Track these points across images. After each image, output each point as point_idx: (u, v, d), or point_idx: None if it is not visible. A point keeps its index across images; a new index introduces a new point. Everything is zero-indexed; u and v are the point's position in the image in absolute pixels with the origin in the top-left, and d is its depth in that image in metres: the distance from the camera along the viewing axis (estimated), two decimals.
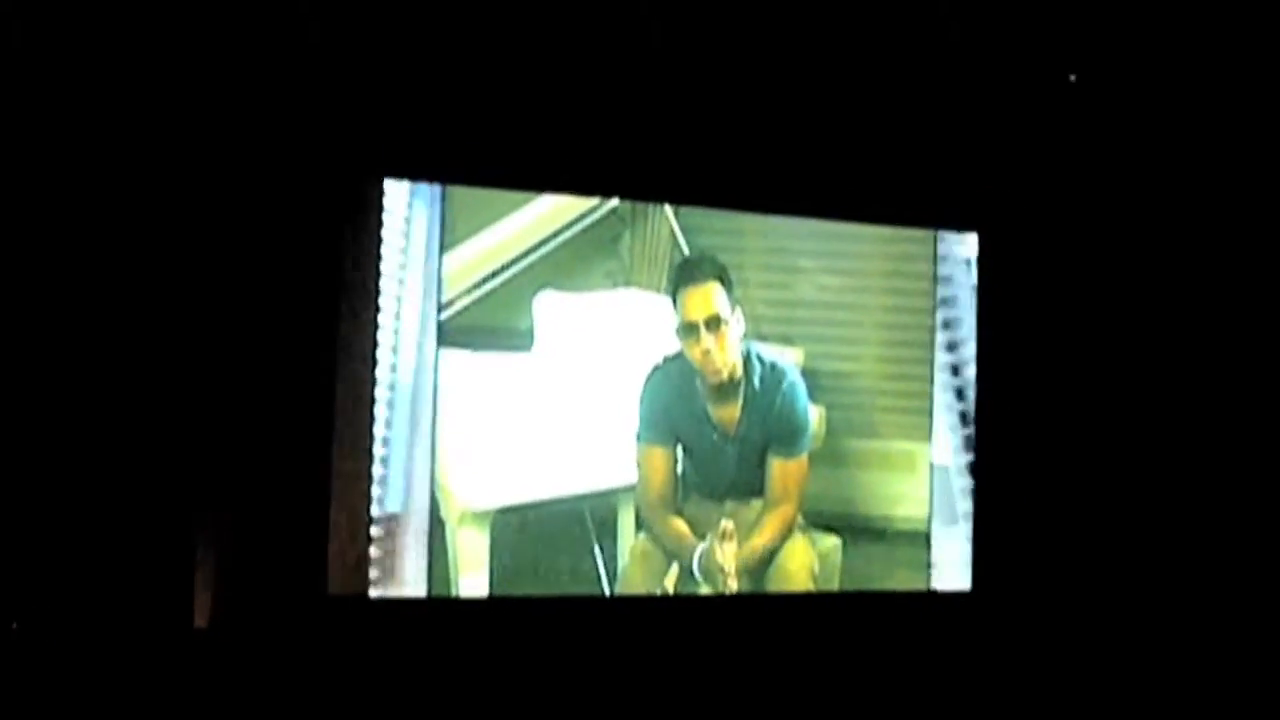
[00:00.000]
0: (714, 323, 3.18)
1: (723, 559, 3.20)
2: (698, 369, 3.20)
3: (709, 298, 3.19)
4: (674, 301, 3.21)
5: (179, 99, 2.87)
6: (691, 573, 3.21)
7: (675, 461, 3.22)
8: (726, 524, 3.21)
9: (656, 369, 3.22)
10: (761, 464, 3.25)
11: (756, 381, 3.24)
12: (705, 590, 3.22)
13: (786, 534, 3.28)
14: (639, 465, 3.20)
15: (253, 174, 2.93)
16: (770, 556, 3.27)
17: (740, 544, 3.22)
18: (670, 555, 3.22)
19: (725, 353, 3.19)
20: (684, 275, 3.22)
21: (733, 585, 3.21)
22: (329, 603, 2.96)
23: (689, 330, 3.19)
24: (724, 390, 3.22)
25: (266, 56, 2.93)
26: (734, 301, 3.21)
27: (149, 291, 2.85)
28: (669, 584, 3.22)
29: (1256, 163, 3.43)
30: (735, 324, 3.21)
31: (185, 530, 2.86)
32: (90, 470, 2.79)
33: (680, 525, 3.22)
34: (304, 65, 2.96)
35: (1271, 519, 3.38)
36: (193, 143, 2.88)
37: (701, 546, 3.20)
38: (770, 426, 3.24)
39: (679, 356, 3.22)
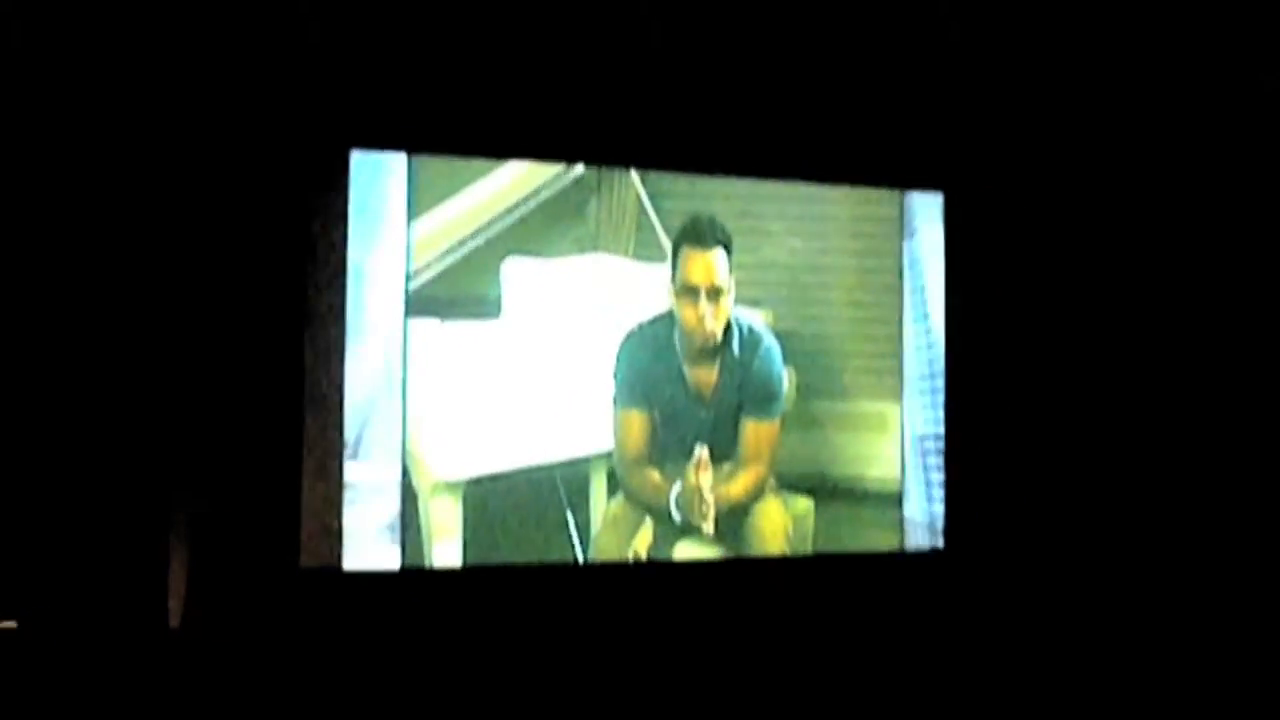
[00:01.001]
0: (715, 292, 3.21)
1: (700, 484, 3.21)
2: (686, 331, 3.22)
3: (713, 265, 3.21)
4: (674, 259, 3.22)
5: (141, 77, 2.86)
6: (669, 514, 3.22)
7: (653, 425, 3.22)
8: (701, 453, 3.21)
9: (632, 334, 3.23)
10: (735, 427, 3.25)
11: (736, 346, 3.25)
12: (683, 547, 3.23)
13: (758, 493, 3.29)
14: (615, 429, 3.21)
15: (218, 149, 2.91)
16: (744, 511, 3.29)
17: (714, 485, 3.23)
18: (646, 508, 3.22)
19: (719, 319, 3.22)
20: (690, 235, 3.23)
21: (710, 516, 3.22)
22: (302, 575, 2.95)
23: (689, 293, 3.20)
24: (705, 354, 3.24)
25: (227, 31, 2.91)
26: (732, 269, 3.23)
27: (115, 271, 2.84)
28: (641, 547, 3.22)
29: (1224, 124, 3.44)
30: (730, 292, 3.23)
31: (159, 506, 2.86)
32: (56, 454, 2.78)
33: (655, 476, 3.23)
34: (266, 37, 2.95)
35: (1237, 471, 3.40)
36: (154, 121, 2.87)
37: (678, 485, 3.22)
38: (746, 390, 3.26)
39: (655, 321, 3.23)
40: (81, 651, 2.75)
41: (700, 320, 3.20)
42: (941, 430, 3.48)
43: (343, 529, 2.98)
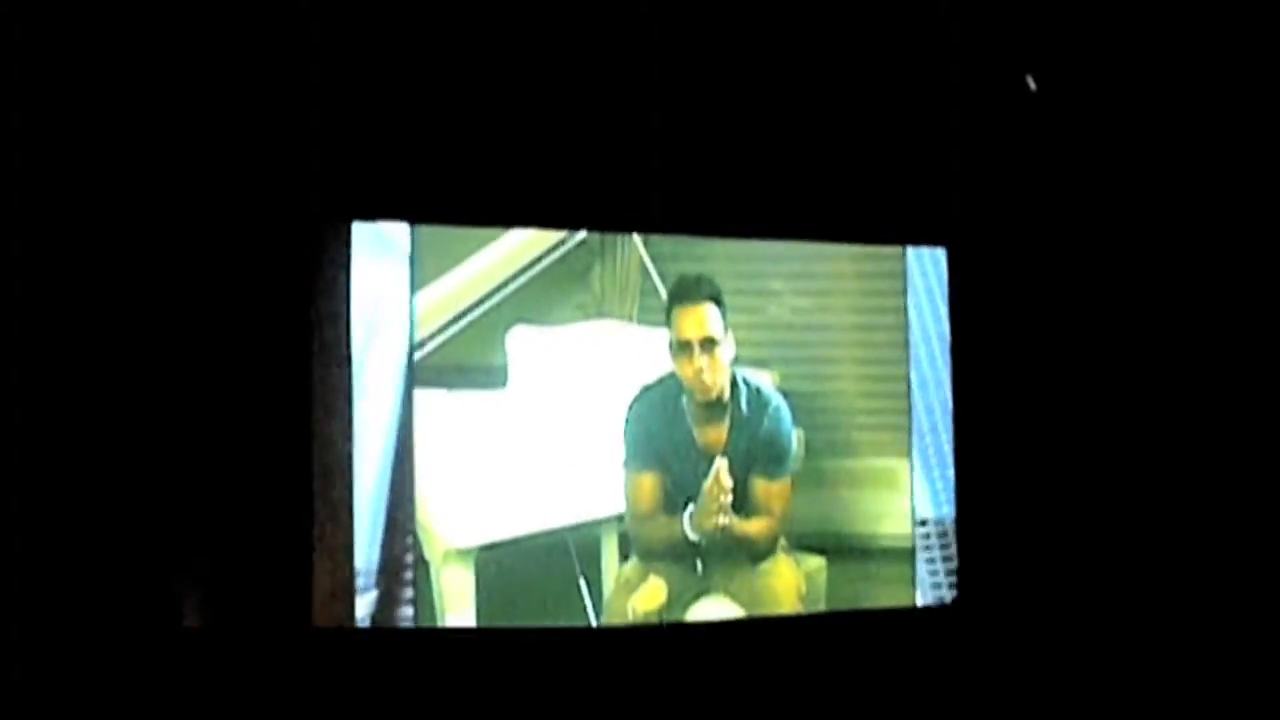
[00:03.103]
0: (708, 343, 3.21)
1: (716, 491, 3.20)
2: (688, 388, 3.22)
3: (704, 318, 3.22)
4: (668, 319, 3.23)
5: (134, 150, 2.87)
6: (684, 540, 3.22)
7: (664, 487, 3.23)
8: (720, 463, 3.21)
9: (639, 397, 3.23)
10: (745, 485, 3.25)
11: (743, 405, 3.25)
12: (697, 609, 3.23)
13: (769, 544, 3.29)
14: (627, 493, 3.21)
15: (218, 221, 2.93)
16: (752, 554, 3.28)
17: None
18: (659, 556, 3.22)
19: (717, 373, 3.22)
20: (679, 294, 3.24)
21: (726, 508, 3.21)
22: (314, 635, 2.95)
23: (683, 348, 3.21)
24: (711, 411, 3.23)
25: (224, 104, 2.94)
26: (726, 324, 3.24)
27: (127, 349, 2.85)
28: (654, 608, 3.21)
29: (1227, 170, 3.44)
30: (727, 346, 3.24)
31: (168, 578, 2.87)
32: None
33: (668, 519, 3.23)
34: (263, 110, 2.96)
35: (1254, 516, 3.39)
36: (150, 194, 2.88)
37: (691, 506, 3.22)
38: (755, 450, 3.26)
39: (661, 382, 3.23)
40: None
41: (698, 373, 3.21)
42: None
43: (354, 598, 2.97)
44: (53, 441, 2.78)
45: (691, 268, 3.28)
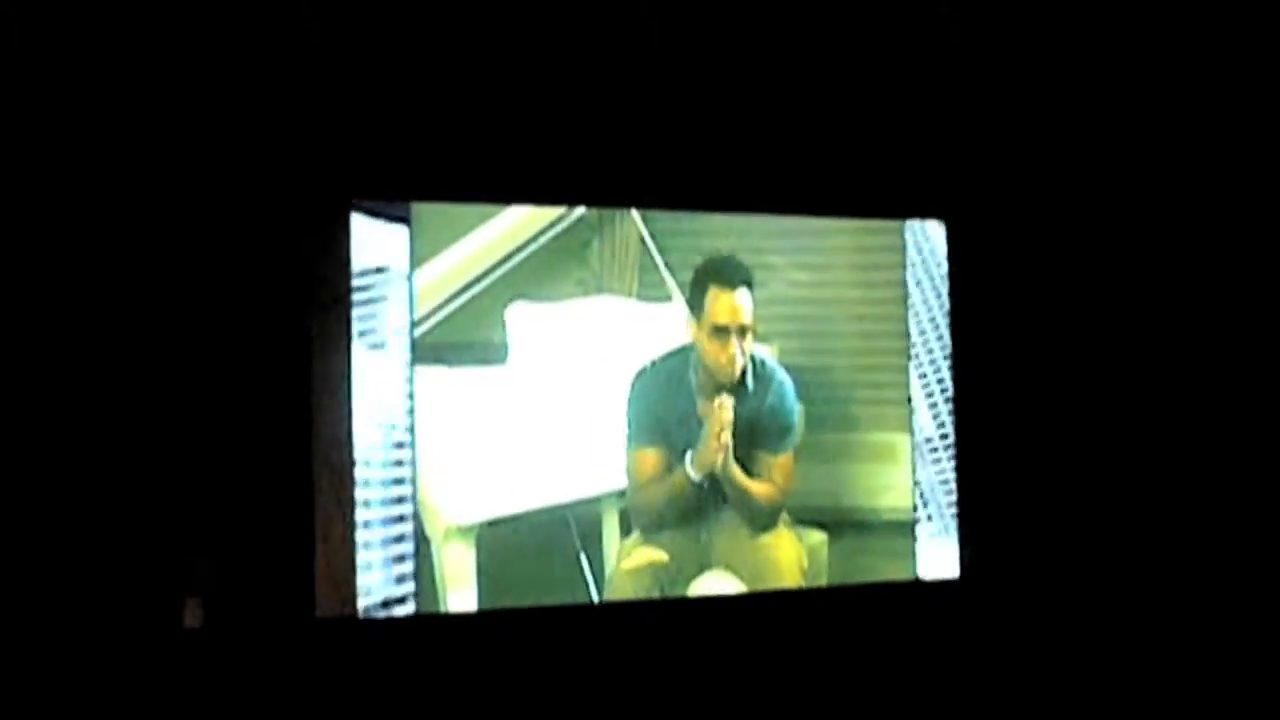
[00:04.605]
0: (743, 331, 3.24)
1: (717, 428, 3.20)
2: (712, 369, 3.23)
3: (740, 305, 3.24)
4: (699, 297, 3.24)
5: (130, 136, 2.87)
6: (686, 477, 3.22)
7: (667, 461, 3.23)
8: (724, 398, 3.21)
9: (643, 372, 3.24)
10: (749, 460, 3.27)
11: (750, 381, 3.27)
12: (699, 583, 3.24)
13: (771, 511, 3.30)
14: (629, 469, 3.21)
15: (215, 203, 2.92)
16: (753, 519, 3.28)
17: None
18: (659, 515, 3.22)
19: (745, 357, 3.25)
20: (715, 275, 3.25)
21: (728, 444, 3.21)
22: (316, 625, 2.95)
23: (719, 333, 3.23)
24: (722, 389, 3.24)
25: (220, 85, 2.93)
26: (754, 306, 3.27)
27: (126, 343, 2.85)
28: (655, 583, 3.22)
29: (1225, 149, 3.45)
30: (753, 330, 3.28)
31: (169, 571, 2.87)
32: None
33: (673, 478, 3.24)
34: (260, 91, 2.96)
35: (1254, 503, 3.40)
36: (147, 181, 2.87)
37: (691, 452, 3.23)
38: (759, 423, 3.27)
39: (667, 358, 3.24)
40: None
41: (731, 360, 3.23)
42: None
43: (356, 579, 2.97)
44: (51, 431, 2.77)
45: (691, 243, 3.28)
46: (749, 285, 3.26)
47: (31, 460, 2.75)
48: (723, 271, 3.26)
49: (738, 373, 3.25)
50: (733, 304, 3.24)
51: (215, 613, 2.86)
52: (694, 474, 3.24)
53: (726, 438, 3.22)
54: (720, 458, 3.22)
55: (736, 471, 3.25)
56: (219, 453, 2.90)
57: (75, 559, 2.77)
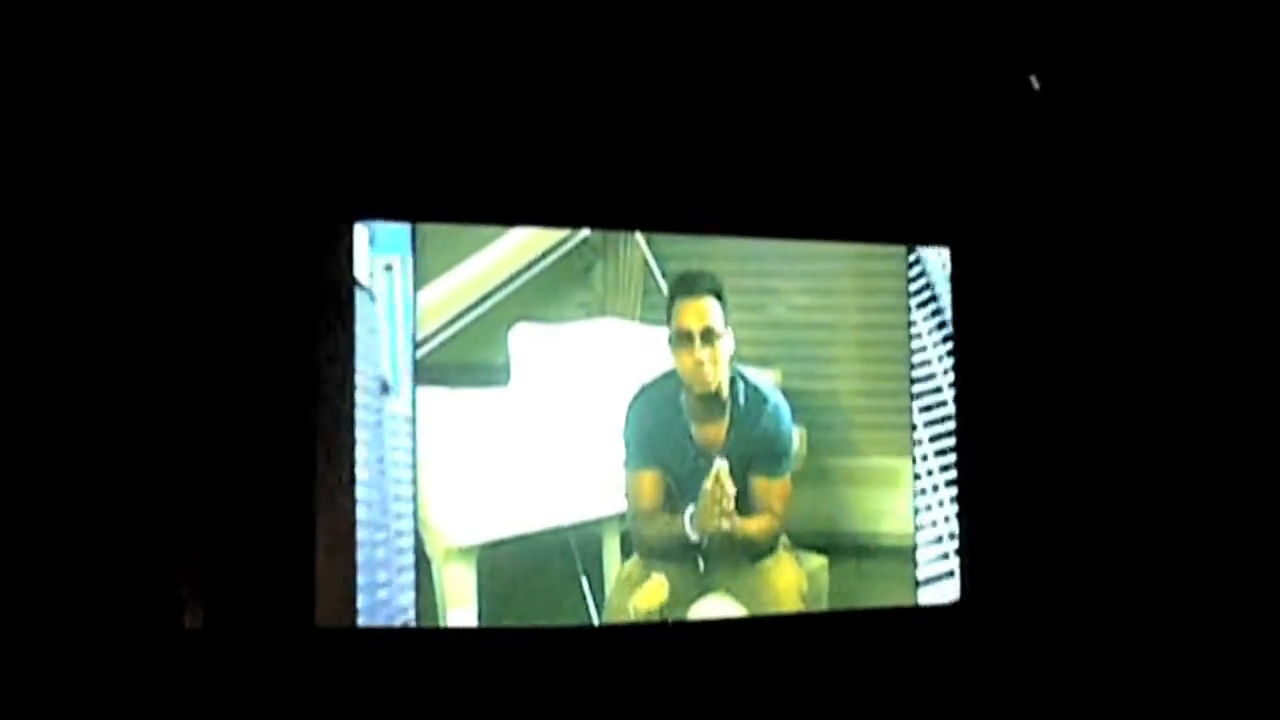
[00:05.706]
0: (708, 335, 3.22)
1: (721, 484, 3.20)
2: (686, 381, 3.22)
3: (705, 310, 3.23)
4: (669, 313, 3.24)
5: (135, 151, 2.88)
6: (686, 540, 3.22)
7: (665, 484, 3.23)
8: (720, 464, 3.21)
9: (639, 395, 3.23)
10: (745, 483, 3.25)
11: (742, 402, 3.26)
12: (699, 606, 3.23)
13: (770, 542, 3.29)
14: (628, 492, 3.21)
15: (220, 220, 2.94)
16: (753, 552, 3.28)
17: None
18: (662, 553, 3.22)
19: (717, 366, 3.23)
20: (681, 288, 3.25)
21: (729, 511, 3.21)
22: (316, 636, 2.95)
23: (683, 339, 3.22)
24: (710, 408, 3.23)
25: (225, 103, 2.94)
26: (727, 320, 3.24)
27: (128, 360, 2.87)
28: (655, 606, 3.21)
29: (1228, 168, 3.44)
30: (727, 340, 3.24)
31: (170, 578, 2.87)
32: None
33: (669, 517, 3.23)
34: (264, 110, 2.97)
35: (1257, 511, 3.39)
36: (151, 196, 2.89)
37: (692, 507, 3.23)
38: (754, 448, 3.26)
39: (661, 381, 3.23)
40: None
41: (698, 366, 3.21)
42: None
43: (357, 595, 2.97)
44: (54, 439, 2.79)
45: (694, 266, 3.29)
46: (718, 296, 3.24)
47: (36, 468, 2.77)
48: (686, 281, 3.26)
49: (712, 383, 3.23)
50: (697, 308, 3.23)
51: (215, 617, 2.88)
52: (693, 535, 3.23)
53: (729, 505, 3.22)
54: (720, 525, 3.22)
55: (737, 525, 3.25)
56: (220, 456, 2.92)
57: (75, 559, 2.78)
